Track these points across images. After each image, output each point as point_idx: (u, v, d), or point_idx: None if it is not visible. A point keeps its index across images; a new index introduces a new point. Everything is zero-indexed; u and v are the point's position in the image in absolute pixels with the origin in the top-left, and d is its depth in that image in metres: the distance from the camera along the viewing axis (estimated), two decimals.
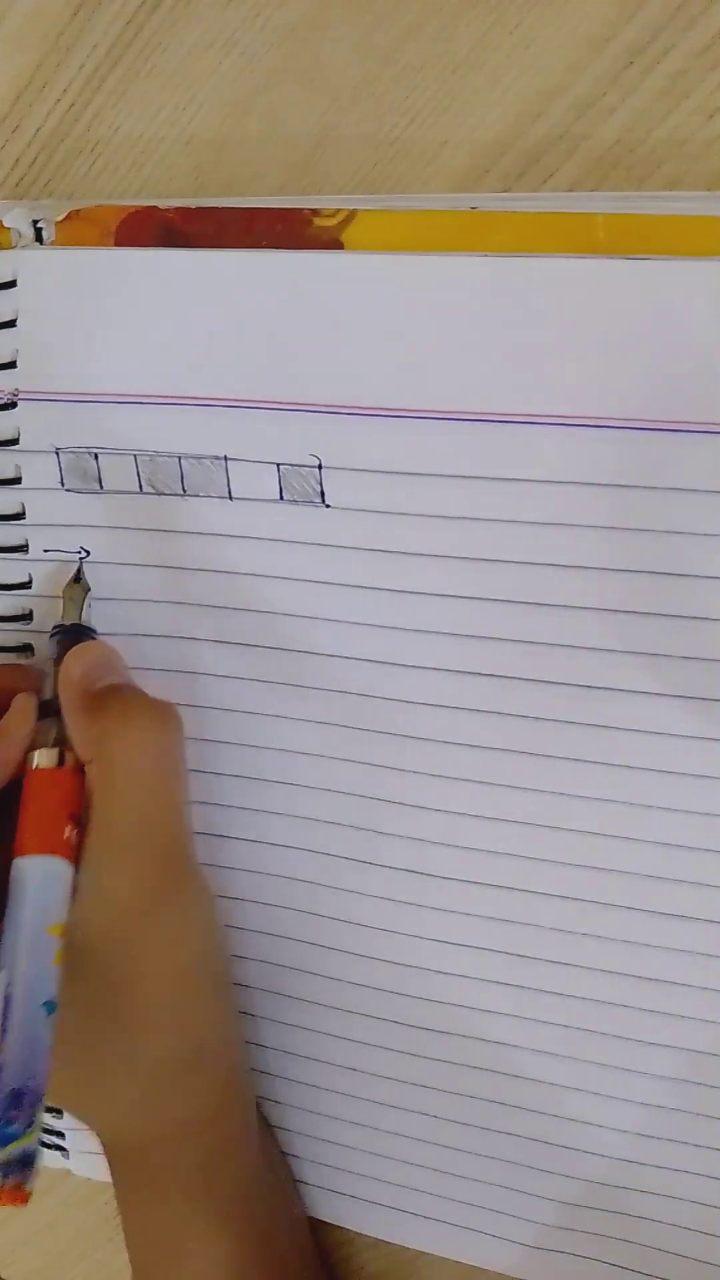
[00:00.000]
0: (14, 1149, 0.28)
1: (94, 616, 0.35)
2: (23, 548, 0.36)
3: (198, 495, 0.34)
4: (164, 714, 0.32)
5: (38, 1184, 0.28)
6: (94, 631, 0.34)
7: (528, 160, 0.31)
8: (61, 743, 0.32)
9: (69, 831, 0.31)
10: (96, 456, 0.35)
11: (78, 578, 0.35)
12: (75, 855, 0.31)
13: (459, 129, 0.32)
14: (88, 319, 0.34)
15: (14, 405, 0.35)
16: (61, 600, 0.35)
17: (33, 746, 0.32)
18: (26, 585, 0.36)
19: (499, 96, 0.31)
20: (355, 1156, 0.39)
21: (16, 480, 0.35)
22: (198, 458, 0.34)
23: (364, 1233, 0.40)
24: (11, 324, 0.34)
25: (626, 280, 0.29)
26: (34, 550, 0.36)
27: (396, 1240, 0.40)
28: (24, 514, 0.36)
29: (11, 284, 0.34)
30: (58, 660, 0.33)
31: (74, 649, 0.33)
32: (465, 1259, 0.39)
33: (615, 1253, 0.37)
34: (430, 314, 0.31)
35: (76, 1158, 0.42)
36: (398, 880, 0.36)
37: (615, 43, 0.30)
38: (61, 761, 0.32)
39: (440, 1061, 0.37)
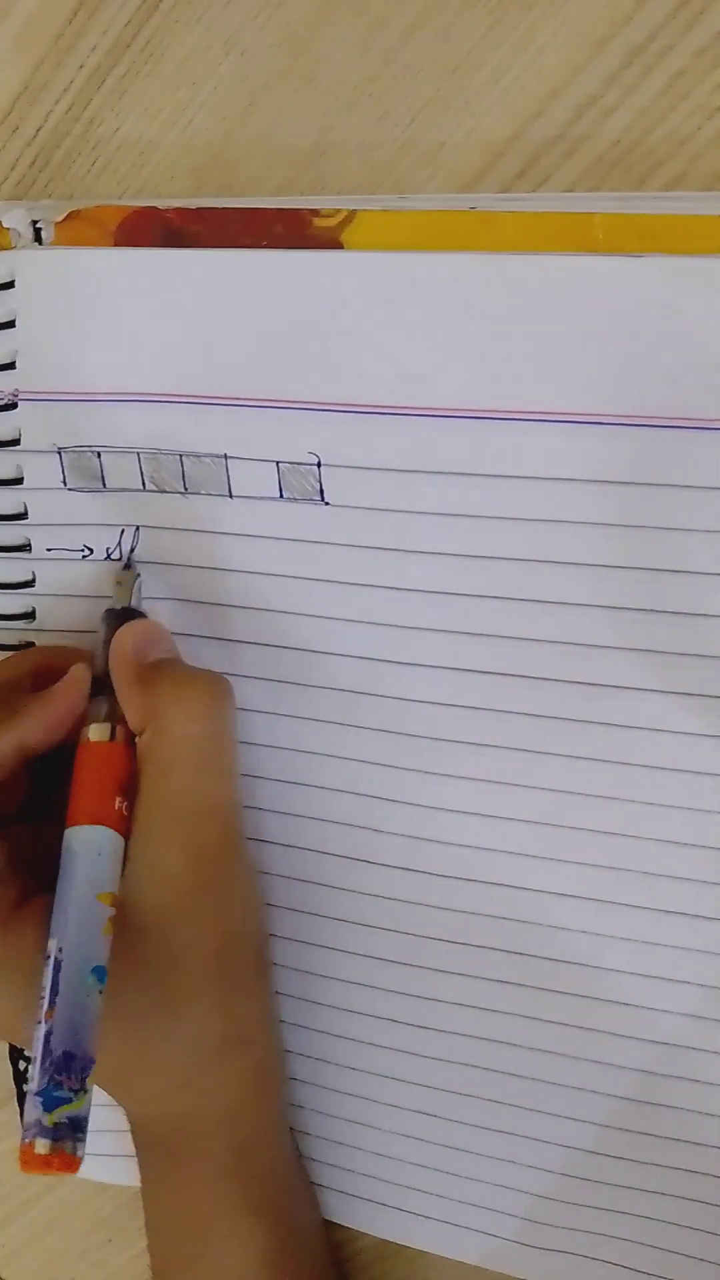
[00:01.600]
0: (63, 1113, 0.28)
1: (140, 603, 0.35)
2: (25, 547, 0.36)
3: (199, 493, 0.34)
4: (216, 684, 0.32)
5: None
6: (143, 614, 0.35)
7: (527, 160, 0.31)
8: (113, 718, 0.33)
9: (119, 803, 0.32)
10: (99, 455, 0.35)
11: (128, 564, 0.35)
12: (125, 827, 0.32)
13: (458, 129, 0.32)
14: (87, 319, 0.34)
15: (14, 406, 0.35)
16: (113, 587, 0.35)
17: (85, 721, 0.33)
18: (30, 584, 0.36)
19: (499, 97, 0.31)
20: (354, 1154, 0.39)
21: (18, 480, 0.35)
22: (199, 456, 0.34)
23: (365, 1231, 0.40)
24: (10, 325, 0.34)
25: (626, 278, 0.29)
26: (37, 549, 0.36)
27: (397, 1239, 0.40)
28: (26, 514, 0.36)
29: (10, 285, 0.34)
30: (107, 641, 0.34)
31: (125, 625, 0.34)
32: (462, 1258, 0.39)
33: (612, 1250, 0.37)
34: (429, 313, 0.31)
35: None
36: (396, 878, 0.36)
37: (615, 42, 0.30)
38: (113, 736, 0.33)
39: (438, 1060, 0.37)
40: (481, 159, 0.32)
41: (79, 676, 0.33)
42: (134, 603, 0.35)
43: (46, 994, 0.29)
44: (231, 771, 0.33)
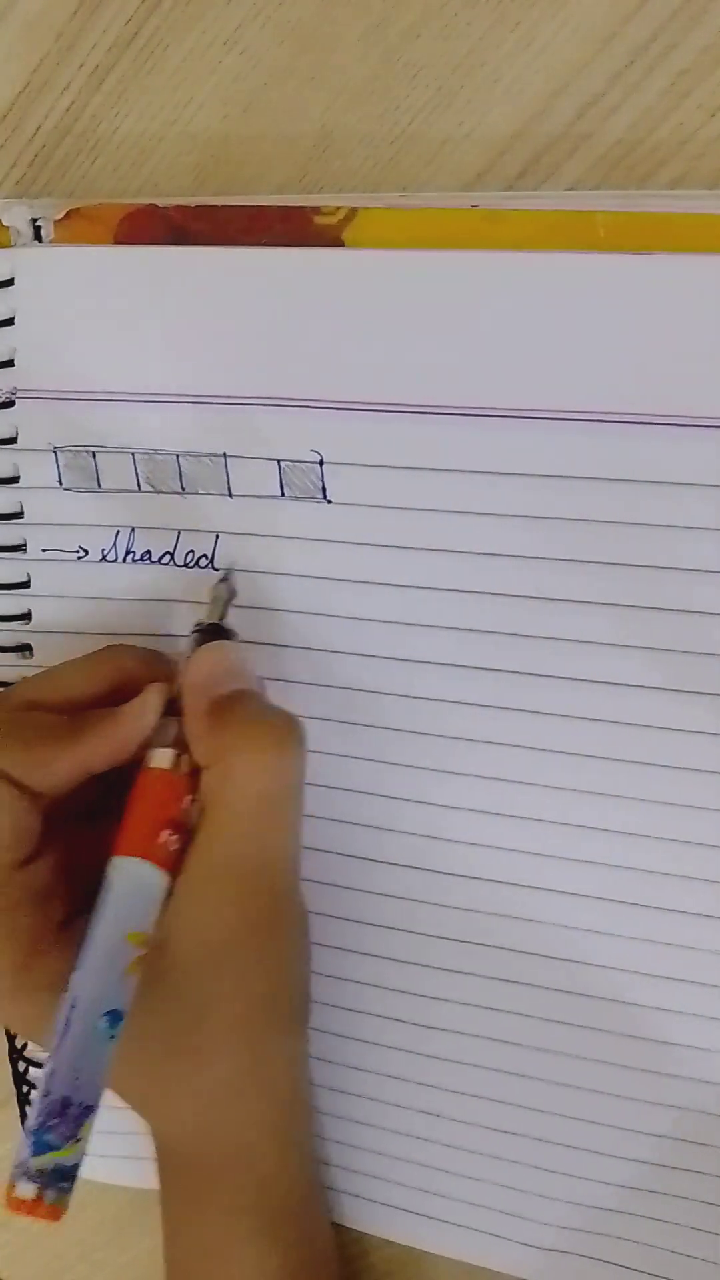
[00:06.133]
0: (49, 1160, 0.27)
1: (231, 618, 0.34)
2: (21, 547, 0.36)
3: (197, 493, 0.34)
4: (289, 729, 0.31)
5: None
6: (232, 633, 0.33)
7: (530, 159, 0.31)
8: (180, 744, 0.31)
9: (166, 837, 0.30)
10: (95, 455, 0.34)
11: (225, 578, 0.34)
12: (173, 863, 0.31)
13: (460, 127, 0.32)
14: (86, 317, 0.34)
15: (12, 404, 0.35)
16: (208, 601, 0.34)
17: (151, 742, 0.31)
18: (25, 585, 0.36)
19: (501, 95, 0.31)
20: (362, 1156, 0.39)
21: (14, 479, 0.35)
22: (196, 455, 0.34)
23: (376, 1234, 0.40)
24: (9, 322, 0.34)
25: (629, 275, 0.29)
26: (32, 550, 0.36)
27: (409, 1242, 0.40)
28: (22, 513, 0.36)
29: (9, 282, 0.34)
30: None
31: (203, 647, 0.32)
32: (477, 1261, 0.39)
33: (625, 1253, 0.37)
34: (431, 310, 0.31)
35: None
36: (403, 877, 0.36)
37: (618, 41, 0.30)
38: (177, 765, 0.31)
39: (450, 1061, 0.37)
40: (483, 157, 0.32)
41: (151, 702, 0.32)
42: (226, 622, 0.33)
43: (58, 1032, 0.28)
44: (295, 824, 0.32)
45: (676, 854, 0.33)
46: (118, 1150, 0.39)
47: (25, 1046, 0.41)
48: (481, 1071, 0.37)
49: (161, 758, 0.31)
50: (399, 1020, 0.37)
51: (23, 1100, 0.42)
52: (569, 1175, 0.36)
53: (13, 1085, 0.42)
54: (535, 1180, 0.37)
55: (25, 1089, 0.42)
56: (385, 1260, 0.41)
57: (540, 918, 0.35)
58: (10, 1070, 0.42)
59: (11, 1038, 0.41)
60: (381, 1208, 0.39)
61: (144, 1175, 0.39)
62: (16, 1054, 0.41)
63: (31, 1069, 0.41)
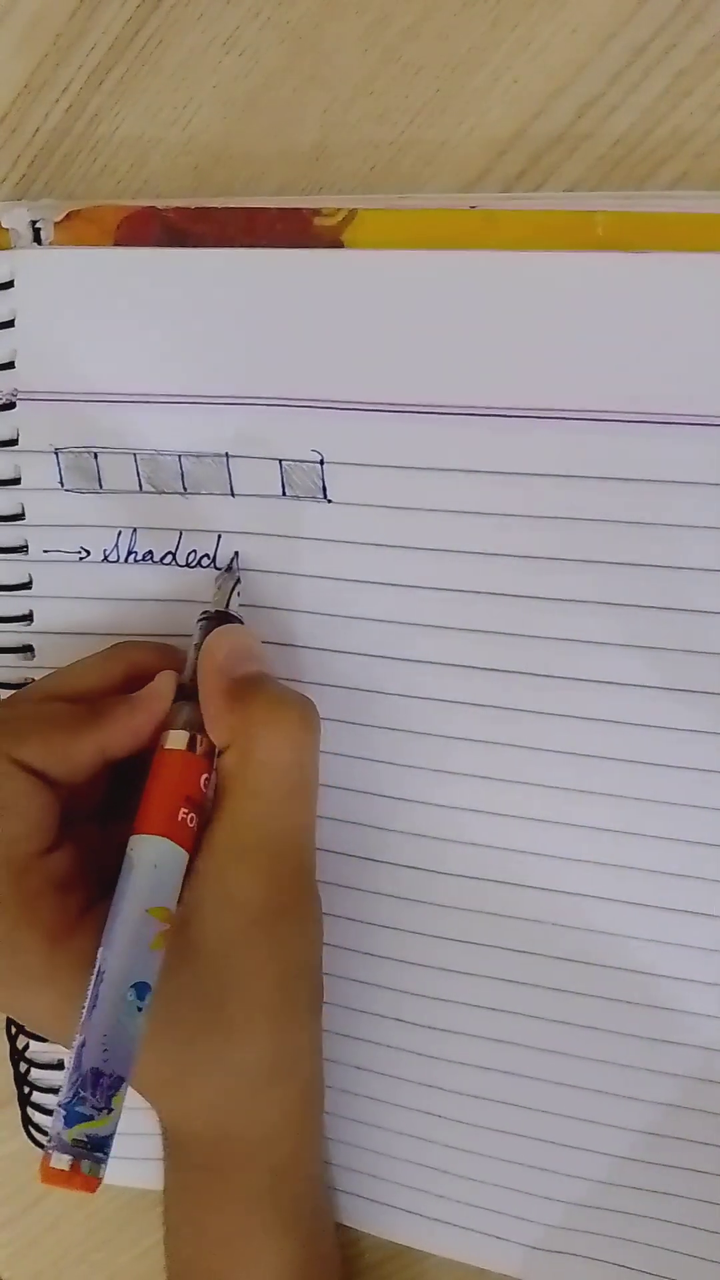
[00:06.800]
0: (82, 1130, 0.27)
1: (238, 609, 0.35)
2: (23, 548, 0.36)
3: (199, 493, 0.34)
4: (308, 710, 0.31)
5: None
6: (239, 619, 0.34)
7: (529, 159, 0.31)
8: (193, 727, 0.32)
9: (185, 815, 0.31)
10: (96, 456, 0.35)
11: (230, 567, 0.34)
12: (191, 841, 0.31)
13: (459, 128, 0.32)
14: (87, 319, 0.34)
15: (13, 406, 0.35)
16: (213, 590, 0.34)
17: (165, 726, 0.32)
18: (27, 586, 0.36)
19: (500, 95, 0.31)
20: (360, 1155, 0.39)
21: (16, 481, 0.35)
22: (198, 455, 0.34)
23: (374, 1233, 0.40)
24: (10, 324, 0.34)
25: (627, 275, 0.29)
26: (34, 551, 0.36)
27: (407, 1241, 0.40)
28: (24, 515, 0.36)
29: (9, 284, 0.34)
30: (199, 645, 0.33)
31: (218, 630, 0.33)
32: (476, 1262, 0.39)
33: (622, 1253, 0.37)
34: (430, 311, 0.31)
35: None
36: (402, 877, 0.36)
37: (617, 41, 0.30)
38: (191, 746, 0.32)
39: (445, 1061, 0.37)
40: (483, 158, 0.32)
41: (164, 686, 0.32)
42: (231, 608, 0.34)
43: (87, 1005, 0.29)
44: (312, 806, 0.32)
45: (679, 853, 0.33)
46: (116, 1151, 0.39)
47: (26, 1047, 0.41)
48: (483, 1071, 0.37)
49: (177, 739, 0.32)
50: (400, 1020, 0.37)
51: (23, 1101, 0.42)
52: (569, 1175, 0.37)
53: (13, 1085, 0.42)
54: (535, 1180, 0.37)
55: (26, 1089, 0.42)
56: (376, 1247, 0.41)
57: (543, 918, 0.35)
58: (11, 1070, 0.42)
59: (12, 1038, 0.41)
60: (380, 1207, 0.40)
61: (143, 1176, 0.39)
62: (17, 1054, 0.41)
63: (33, 1070, 0.41)
